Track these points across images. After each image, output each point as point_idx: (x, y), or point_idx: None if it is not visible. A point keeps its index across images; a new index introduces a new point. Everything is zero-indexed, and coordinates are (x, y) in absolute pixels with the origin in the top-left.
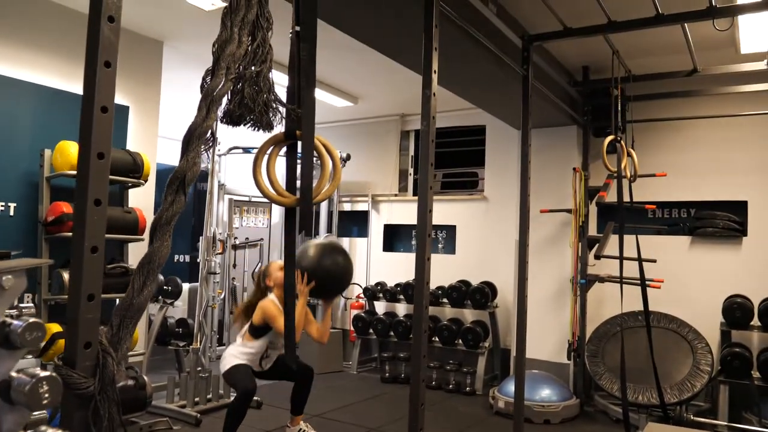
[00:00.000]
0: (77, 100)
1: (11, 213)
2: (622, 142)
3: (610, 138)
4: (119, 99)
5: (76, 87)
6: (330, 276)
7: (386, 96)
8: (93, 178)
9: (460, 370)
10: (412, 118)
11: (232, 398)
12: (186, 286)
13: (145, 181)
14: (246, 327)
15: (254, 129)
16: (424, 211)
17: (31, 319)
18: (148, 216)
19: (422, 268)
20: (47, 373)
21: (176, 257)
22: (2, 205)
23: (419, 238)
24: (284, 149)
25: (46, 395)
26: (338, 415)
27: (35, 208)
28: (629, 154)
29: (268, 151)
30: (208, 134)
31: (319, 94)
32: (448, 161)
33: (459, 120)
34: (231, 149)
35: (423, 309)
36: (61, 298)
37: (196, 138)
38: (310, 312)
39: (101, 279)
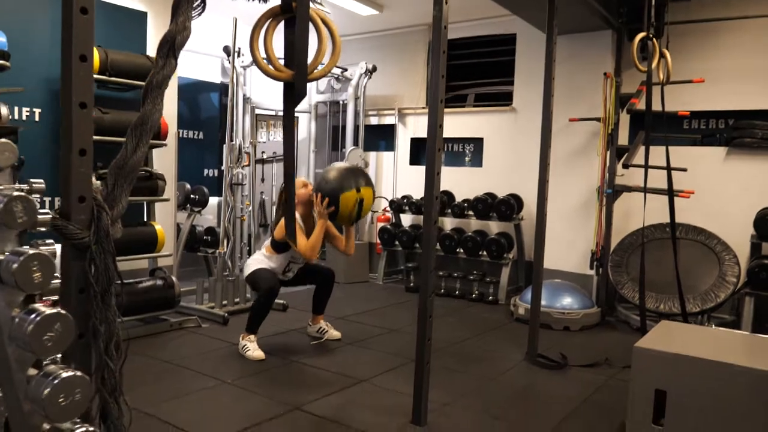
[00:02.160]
0: (101, 6)
1: (36, 119)
2: (655, 40)
3: (641, 35)
4: (136, 4)
5: None
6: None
7: (413, 4)
8: (76, 81)
9: (484, 280)
10: None
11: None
12: (215, 200)
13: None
14: (268, 240)
15: None
16: (434, 125)
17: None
18: (170, 123)
19: (432, 183)
20: (35, 251)
21: (205, 171)
22: (28, 111)
23: (429, 153)
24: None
25: (38, 276)
26: (361, 317)
27: (58, 114)
28: (662, 55)
29: (266, 25)
30: None
31: (341, 1)
32: (477, 73)
33: (488, 28)
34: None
35: (431, 224)
36: None
37: (185, 1)
38: (333, 226)
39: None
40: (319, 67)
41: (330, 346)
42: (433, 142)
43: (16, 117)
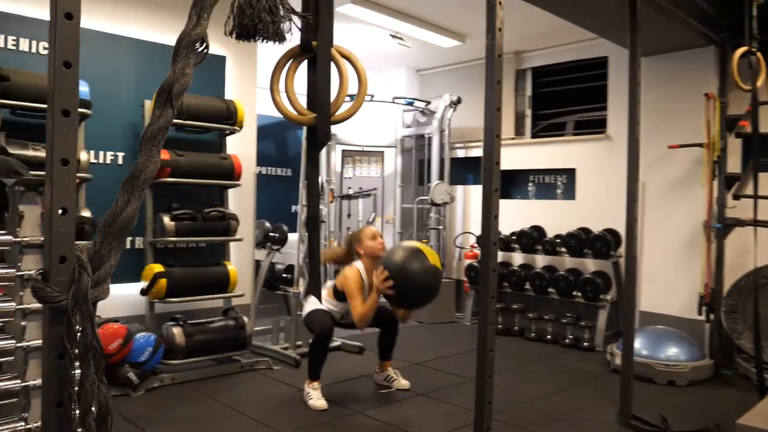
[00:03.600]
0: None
1: (119, 162)
2: (759, 54)
3: (742, 50)
4: (216, 49)
5: (173, 40)
6: (410, 294)
7: None
8: (59, 89)
9: (578, 324)
10: (529, 55)
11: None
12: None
13: (240, 128)
14: (331, 284)
15: (264, 40)
16: (491, 163)
17: None
18: (245, 164)
19: (489, 227)
20: None
21: (293, 208)
22: (112, 155)
23: (485, 194)
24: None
25: None
26: (440, 363)
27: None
28: None
29: (286, 66)
30: (199, 43)
31: (422, 34)
32: (566, 100)
33: (575, 53)
34: None
35: (489, 279)
36: (164, 240)
37: (185, 47)
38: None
39: (74, 193)
40: (345, 108)
41: (398, 396)
42: (489, 182)
43: (101, 161)
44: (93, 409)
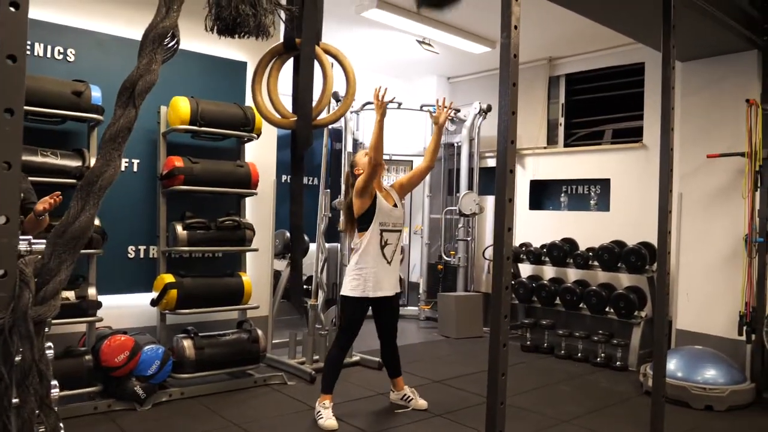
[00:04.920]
0: (191, 57)
1: (134, 169)
2: None
3: None
4: (236, 55)
5: (190, 45)
6: None
7: (530, 37)
8: (2, 84)
9: (611, 342)
10: (562, 61)
11: (350, 358)
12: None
13: (258, 135)
14: (355, 234)
15: (246, 35)
16: (504, 171)
17: None
18: (264, 172)
19: (502, 240)
20: None
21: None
22: (127, 162)
23: (497, 204)
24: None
25: None
26: (462, 382)
27: (155, 164)
28: None
29: (269, 66)
30: (170, 37)
31: (451, 40)
32: (601, 108)
33: (611, 59)
34: (365, 105)
35: (501, 297)
36: (176, 249)
37: (151, 41)
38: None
39: (18, 200)
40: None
41: (415, 416)
42: (502, 191)
43: None
44: None
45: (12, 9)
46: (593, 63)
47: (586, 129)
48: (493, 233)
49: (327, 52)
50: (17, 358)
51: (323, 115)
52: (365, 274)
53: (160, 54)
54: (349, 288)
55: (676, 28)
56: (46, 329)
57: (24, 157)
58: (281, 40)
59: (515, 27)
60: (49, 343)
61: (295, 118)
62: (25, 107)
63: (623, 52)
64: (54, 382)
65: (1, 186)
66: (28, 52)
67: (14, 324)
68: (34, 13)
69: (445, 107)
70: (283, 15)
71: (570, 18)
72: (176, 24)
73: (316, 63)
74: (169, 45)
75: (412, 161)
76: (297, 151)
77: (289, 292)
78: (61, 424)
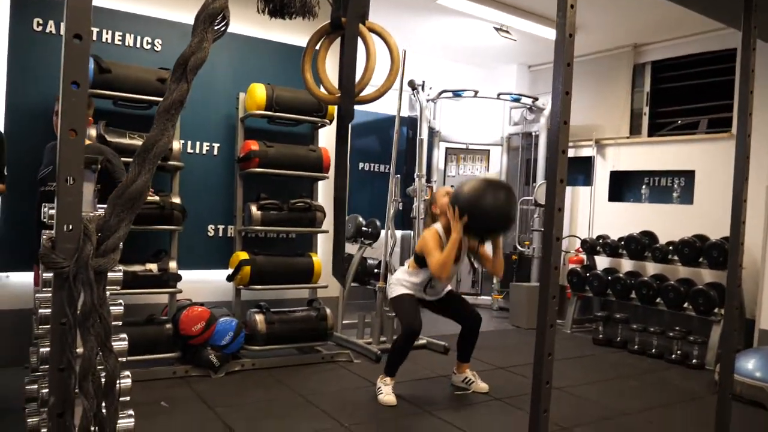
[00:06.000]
0: (269, 46)
1: (215, 153)
2: None
3: None
4: (304, 41)
5: (268, 33)
6: (483, 214)
7: (613, 23)
8: (68, 61)
9: (687, 339)
10: (648, 48)
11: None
12: (398, 234)
13: (331, 121)
14: (411, 259)
15: (291, 16)
16: (556, 151)
17: None
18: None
19: (551, 218)
20: None
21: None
22: (208, 146)
23: (549, 185)
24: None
25: None
26: (524, 369)
27: (233, 148)
28: None
29: (318, 44)
30: (220, 18)
31: (529, 27)
32: (689, 96)
33: (700, 45)
34: (441, 93)
35: (551, 270)
36: (251, 229)
37: (202, 21)
38: (484, 247)
39: (81, 164)
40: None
41: (475, 399)
42: (554, 171)
43: (197, 151)
44: (98, 377)
45: None
46: (681, 49)
47: (673, 118)
48: (544, 213)
49: (372, 30)
50: (80, 303)
51: (369, 92)
52: (409, 288)
53: (211, 33)
54: (393, 291)
55: (758, 8)
56: (117, 288)
57: (114, 139)
58: None
59: (572, 6)
60: (120, 300)
61: (338, 94)
62: (116, 93)
63: (713, 37)
64: (123, 335)
65: (66, 151)
66: (120, 43)
67: (77, 272)
68: (126, 5)
69: None
70: None
71: (655, 1)
72: (226, 5)
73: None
74: (219, 26)
75: (489, 150)
76: (340, 124)
77: (334, 267)
78: (128, 373)
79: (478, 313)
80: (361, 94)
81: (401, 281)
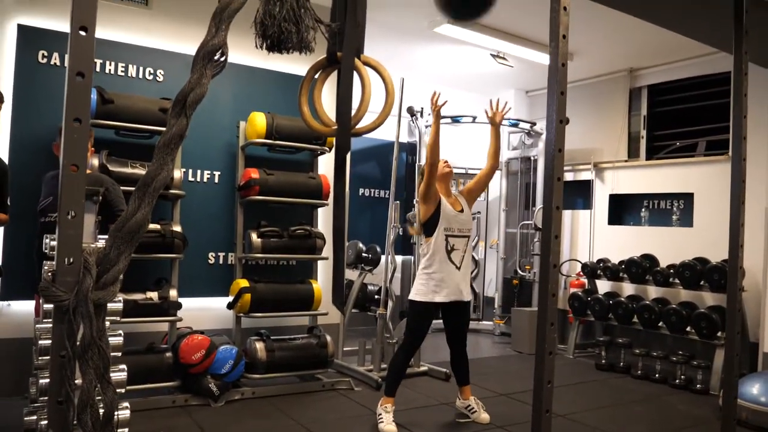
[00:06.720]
0: (269, 75)
1: (216, 180)
2: None
3: None
4: (304, 71)
5: (268, 63)
6: None
7: (609, 48)
8: (71, 97)
9: (690, 364)
10: (644, 72)
11: (417, 368)
12: (399, 259)
13: (330, 148)
14: (423, 240)
15: (291, 51)
16: (551, 178)
17: None
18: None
19: (548, 245)
20: None
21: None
22: (209, 174)
23: (545, 212)
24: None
25: None
26: (527, 396)
27: (234, 176)
28: None
29: (314, 78)
30: (219, 54)
31: (525, 53)
32: (686, 119)
33: (696, 69)
34: None
35: (548, 297)
36: (251, 256)
37: (201, 58)
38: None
39: (83, 197)
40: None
41: (475, 427)
42: (550, 198)
43: (198, 179)
44: (96, 410)
45: (81, 32)
46: (677, 73)
47: (670, 141)
48: (541, 240)
49: (367, 64)
50: (80, 335)
51: (364, 124)
52: (432, 278)
53: (210, 69)
54: (415, 292)
55: (749, 33)
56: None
57: (116, 168)
58: None
59: (563, 36)
60: (120, 331)
61: (335, 126)
62: (118, 123)
63: (709, 61)
64: (122, 366)
65: (68, 185)
66: (122, 73)
67: (77, 305)
68: (128, 38)
69: (499, 109)
70: (325, 31)
71: (650, 27)
72: (225, 42)
73: (356, 75)
74: (218, 61)
75: None
76: (337, 156)
77: (334, 296)
78: (127, 404)
79: (461, 332)
80: (357, 126)
81: (420, 281)
